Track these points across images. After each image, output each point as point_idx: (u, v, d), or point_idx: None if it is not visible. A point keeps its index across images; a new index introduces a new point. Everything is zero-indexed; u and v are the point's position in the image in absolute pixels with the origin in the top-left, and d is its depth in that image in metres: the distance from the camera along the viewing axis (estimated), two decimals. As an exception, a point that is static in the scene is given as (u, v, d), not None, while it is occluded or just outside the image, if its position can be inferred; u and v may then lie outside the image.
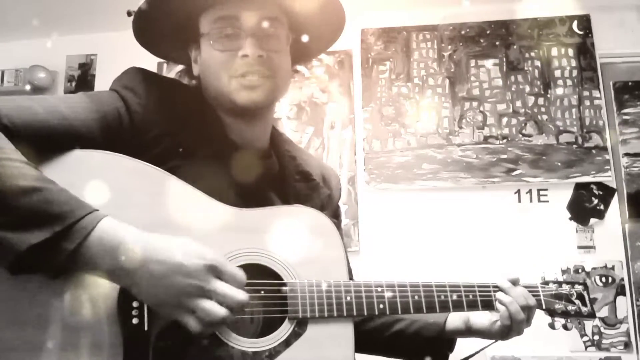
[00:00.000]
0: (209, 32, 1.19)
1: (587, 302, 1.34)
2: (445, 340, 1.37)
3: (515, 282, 1.31)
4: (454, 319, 1.36)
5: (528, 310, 1.27)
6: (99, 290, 0.92)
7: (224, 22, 1.17)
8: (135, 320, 0.93)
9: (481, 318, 1.32)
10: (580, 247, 3.04)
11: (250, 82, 1.16)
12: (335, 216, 1.37)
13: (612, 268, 2.96)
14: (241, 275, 0.95)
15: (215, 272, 0.92)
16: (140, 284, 0.90)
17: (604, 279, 2.95)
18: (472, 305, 1.25)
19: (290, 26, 1.25)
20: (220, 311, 0.89)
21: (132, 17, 1.20)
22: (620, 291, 2.94)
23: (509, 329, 1.27)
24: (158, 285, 0.89)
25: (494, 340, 1.33)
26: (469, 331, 1.35)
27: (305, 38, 1.30)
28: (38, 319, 0.89)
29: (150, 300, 0.92)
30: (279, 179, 1.29)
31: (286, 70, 1.24)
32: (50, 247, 0.85)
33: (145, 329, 0.93)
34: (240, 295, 0.92)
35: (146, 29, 1.22)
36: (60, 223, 0.86)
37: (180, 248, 0.92)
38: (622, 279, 2.95)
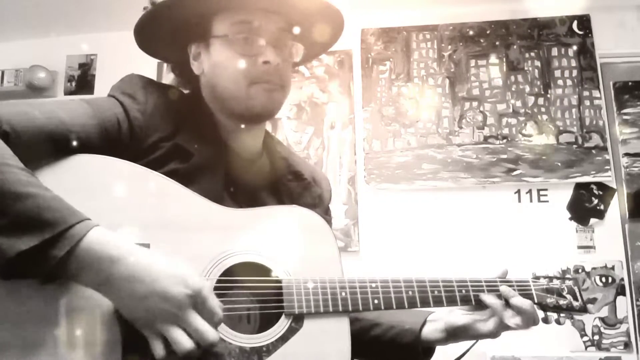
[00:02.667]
0: (227, 35, 1.19)
1: (579, 296, 1.34)
2: (420, 348, 1.34)
3: (503, 275, 1.32)
4: (432, 329, 1.33)
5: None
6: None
7: (244, 26, 1.19)
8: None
9: (461, 317, 1.31)
10: (580, 247, 3.04)
11: (270, 88, 1.19)
12: (325, 215, 1.39)
13: (612, 268, 2.96)
14: (219, 311, 0.93)
15: (195, 303, 0.90)
16: (121, 299, 0.90)
17: (604, 279, 2.95)
18: (465, 300, 1.26)
19: (293, 36, 1.28)
20: (187, 344, 0.88)
21: (145, 11, 1.20)
22: (620, 291, 2.94)
23: (501, 324, 1.27)
24: (138, 304, 0.89)
25: (476, 341, 1.33)
26: (451, 335, 1.32)
27: (305, 45, 1.31)
28: (36, 317, 0.89)
29: (127, 315, 0.91)
30: (271, 179, 1.31)
31: (290, 81, 1.27)
32: (39, 253, 0.84)
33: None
34: (211, 334, 0.90)
35: (151, 26, 1.22)
36: (50, 230, 0.85)
37: (166, 271, 0.90)
38: (622, 279, 2.95)
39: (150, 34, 1.25)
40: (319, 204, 1.36)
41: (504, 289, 1.28)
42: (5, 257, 0.83)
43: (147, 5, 1.21)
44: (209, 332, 0.90)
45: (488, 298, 1.26)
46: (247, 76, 1.17)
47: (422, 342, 1.33)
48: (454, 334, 1.31)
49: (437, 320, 1.33)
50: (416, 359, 1.34)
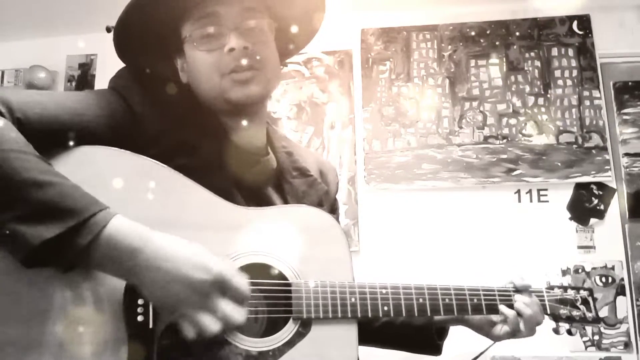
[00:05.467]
0: (191, 34, 1.17)
1: (592, 307, 1.35)
2: (435, 328, 1.37)
3: (525, 288, 1.32)
4: None
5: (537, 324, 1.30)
6: (104, 287, 0.93)
7: (205, 20, 1.16)
8: (140, 318, 0.93)
9: None
10: (580, 247, 3.04)
11: (242, 77, 1.14)
12: (332, 210, 1.38)
13: (612, 268, 2.97)
14: (245, 291, 0.95)
15: (220, 287, 0.92)
16: (145, 285, 0.91)
17: (604, 279, 2.96)
18: (477, 309, 1.25)
19: (271, 15, 1.23)
20: (214, 327, 0.90)
21: (112, 33, 1.18)
22: (620, 291, 2.94)
23: (514, 335, 1.29)
24: (162, 291, 0.90)
25: (493, 342, 1.34)
26: (461, 319, 1.35)
27: (287, 27, 1.28)
28: (43, 314, 0.89)
29: (154, 301, 0.93)
30: (276, 175, 1.29)
31: (274, 62, 1.23)
32: (62, 242, 0.85)
33: (150, 326, 0.93)
34: (237, 316, 0.93)
35: (127, 44, 1.20)
36: (74, 218, 0.85)
37: (189, 258, 0.92)
38: (622, 279, 2.95)
39: (131, 52, 1.22)
40: (325, 201, 1.34)
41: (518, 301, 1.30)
42: (30, 246, 0.83)
43: (110, 25, 1.19)
44: (234, 314, 0.92)
45: (504, 309, 1.28)
46: (217, 69, 1.15)
47: (435, 322, 1.35)
48: (461, 318, 1.34)
49: None
50: (430, 339, 1.36)
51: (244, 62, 1.14)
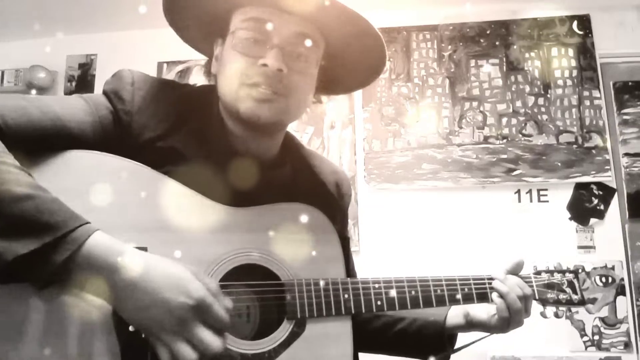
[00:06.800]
0: (236, 30, 1.11)
1: (578, 289, 1.37)
2: (446, 336, 1.37)
3: (515, 271, 1.32)
4: (454, 315, 1.36)
5: (525, 300, 1.28)
6: (93, 298, 0.89)
7: (255, 23, 1.10)
8: (132, 328, 0.90)
9: (480, 312, 1.32)
10: (580, 247, 3.03)
11: (260, 95, 1.07)
12: (342, 225, 1.35)
13: (612, 268, 2.96)
14: (224, 317, 0.91)
15: (199, 312, 0.88)
16: (124, 307, 0.88)
17: (604, 279, 2.95)
18: (468, 298, 1.25)
19: (325, 53, 1.19)
20: (191, 356, 0.86)
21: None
22: (620, 291, 2.94)
23: (508, 321, 1.27)
24: (141, 314, 0.87)
25: (489, 334, 1.34)
26: (469, 325, 1.35)
27: (336, 68, 1.23)
28: (31, 329, 0.86)
29: (132, 322, 0.90)
30: (292, 192, 1.20)
31: (303, 95, 1.15)
32: (38, 257, 0.81)
33: (143, 335, 0.90)
34: (214, 345, 0.88)
35: (178, 8, 1.15)
36: (50, 234, 0.82)
37: (171, 281, 0.88)
38: (622, 279, 2.95)
39: (179, 18, 1.18)
40: (337, 218, 1.28)
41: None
42: (3, 261, 0.80)
43: None
44: (213, 343, 0.88)
45: (500, 286, 1.28)
46: (240, 76, 1.08)
47: (446, 330, 1.35)
48: (471, 324, 1.34)
49: (459, 308, 1.35)
50: (442, 347, 1.36)
51: (270, 83, 1.07)
